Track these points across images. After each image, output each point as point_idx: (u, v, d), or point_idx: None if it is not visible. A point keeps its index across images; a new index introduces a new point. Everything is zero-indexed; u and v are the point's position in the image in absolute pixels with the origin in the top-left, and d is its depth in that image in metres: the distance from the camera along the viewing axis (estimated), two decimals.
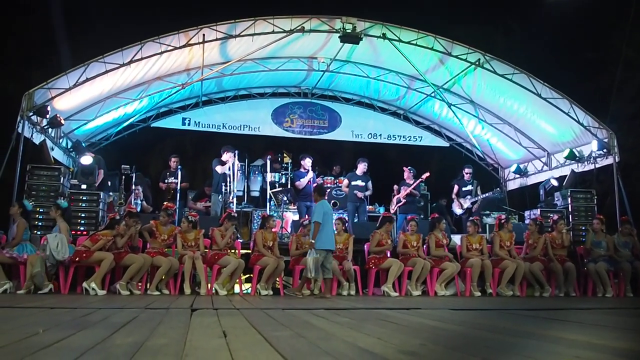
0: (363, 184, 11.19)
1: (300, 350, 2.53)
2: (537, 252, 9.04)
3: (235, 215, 8.49)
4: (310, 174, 11.26)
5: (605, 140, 10.88)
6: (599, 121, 11.02)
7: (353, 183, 11.23)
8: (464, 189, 11.77)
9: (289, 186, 11.61)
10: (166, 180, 11.24)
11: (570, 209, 11.08)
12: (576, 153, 11.54)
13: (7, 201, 8.75)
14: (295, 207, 11.44)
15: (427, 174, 11.29)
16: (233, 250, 8.51)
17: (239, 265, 7.97)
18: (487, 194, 11.60)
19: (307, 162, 11.36)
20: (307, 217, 9.85)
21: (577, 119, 10.96)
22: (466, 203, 11.62)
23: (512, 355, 2.45)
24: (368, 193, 11.32)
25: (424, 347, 2.74)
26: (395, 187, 11.79)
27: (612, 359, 2.48)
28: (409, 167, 11.62)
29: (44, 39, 15.44)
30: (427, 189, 12.90)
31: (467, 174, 11.87)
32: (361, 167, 11.28)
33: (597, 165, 11.24)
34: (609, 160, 10.93)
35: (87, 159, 10.05)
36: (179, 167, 10.97)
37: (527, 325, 4.17)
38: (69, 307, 4.96)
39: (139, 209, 9.88)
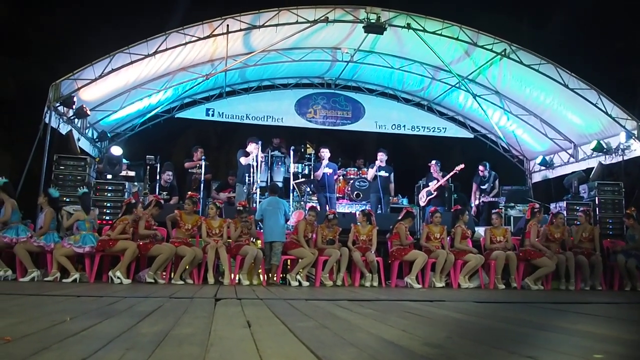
0: (387, 174, 11.18)
1: (324, 341, 2.52)
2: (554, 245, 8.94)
3: (241, 208, 8.52)
4: (325, 162, 11.19)
5: (634, 131, 10.68)
6: (628, 112, 10.80)
7: (378, 174, 11.17)
8: (482, 187, 11.73)
9: (312, 177, 11.61)
10: (190, 170, 11.31)
11: (597, 202, 10.91)
12: (604, 145, 11.34)
13: (35, 190, 8.87)
14: (317, 198, 11.45)
15: (462, 166, 11.16)
16: (253, 240, 8.56)
17: (258, 254, 8.02)
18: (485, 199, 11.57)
19: (323, 153, 11.32)
20: (327, 208, 9.86)
21: (605, 110, 10.75)
22: (477, 200, 11.67)
23: (540, 349, 2.41)
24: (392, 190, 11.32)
25: (449, 340, 2.71)
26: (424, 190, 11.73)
27: None
28: (435, 161, 11.56)
29: (70, 30, 15.59)
30: (451, 180, 12.81)
31: (481, 171, 11.80)
32: (380, 157, 11.22)
33: (625, 157, 11.03)
34: (638, 152, 10.72)
35: (117, 150, 10.19)
36: (203, 157, 11.00)
37: (554, 318, 4.11)
38: (95, 296, 5.02)
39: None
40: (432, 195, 11.27)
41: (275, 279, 8.39)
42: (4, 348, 2.13)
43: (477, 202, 11.80)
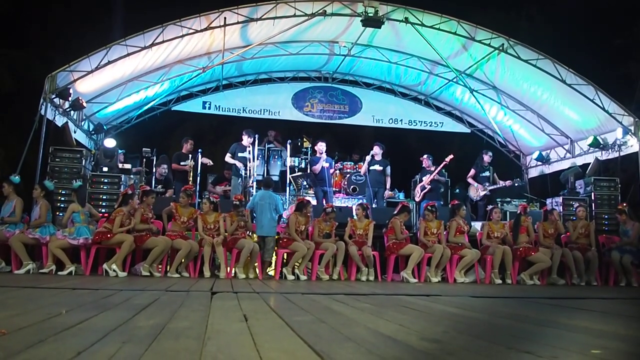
0: (381, 168, 11.09)
1: (322, 335, 2.51)
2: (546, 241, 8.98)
3: (237, 202, 8.51)
4: (324, 157, 11.10)
5: (631, 127, 10.69)
6: (625, 108, 10.82)
7: (371, 168, 11.14)
8: (481, 174, 11.60)
9: (308, 171, 11.57)
10: (182, 163, 11.16)
11: (593, 197, 10.92)
12: (600, 140, 11.35)
13: (30, 182, 8.83)
14: (313, 192, 11.40)
15: (451, 157, 11.15)
16: (249, 233, 8.56)
17: (254, 248, 8.02)
18: (507, 183, 11.39)
19: (320, 147, 11.23)
20: (324, 202, 9.82)
21: (602, 105, 10.76)
22: (484, 190, 11.51)
23: (538, 345, 2.41)
24: (388, 184, 11.24)
25: (446, 335, 2.71)
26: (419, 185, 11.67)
27: None
28: (427, 155, 11.54)
29: (66, 21, 15.51)
30: (448, 175, 12.76)
31: (486, 155, 11.69)
32: (376, 151, 11.16)
33: (622, 153, 11.04)
34: (634, 148, 10.74)
35: (110, 142, 10.15)
36: (200, 150, 10.90)
37: (551, 314, 4.11)
38: (90, 289, 5.01)
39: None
40: (426, 190, 11.24)
41: (273, 274, 8.40)
42: None
43: (483, 193, 11.55)
